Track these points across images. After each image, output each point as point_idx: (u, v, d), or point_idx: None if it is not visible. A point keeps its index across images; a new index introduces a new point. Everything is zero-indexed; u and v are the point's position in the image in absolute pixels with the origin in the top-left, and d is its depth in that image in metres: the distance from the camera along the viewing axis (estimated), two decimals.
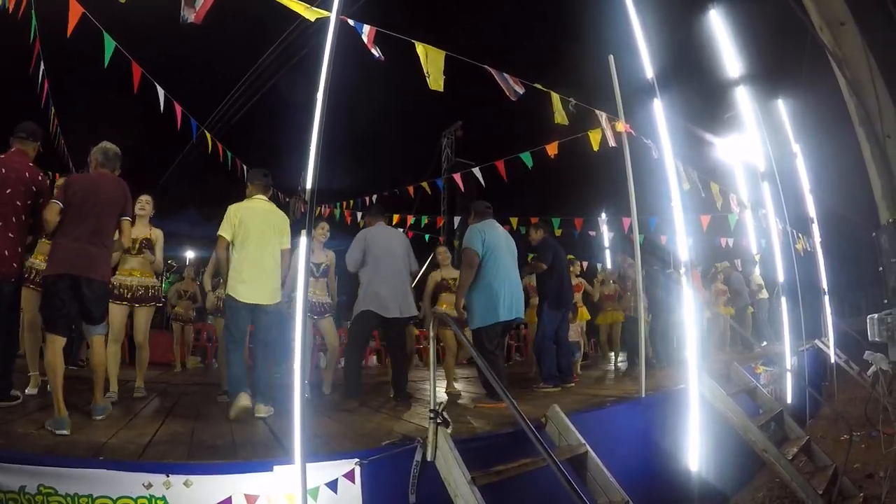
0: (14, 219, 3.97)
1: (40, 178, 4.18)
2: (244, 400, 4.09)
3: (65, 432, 3.25)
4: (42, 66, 7.65)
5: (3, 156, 4.12)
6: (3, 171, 3.97)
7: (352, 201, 13.29)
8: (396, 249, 5.51)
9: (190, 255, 13.22)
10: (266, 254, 4.45)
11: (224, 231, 4.41)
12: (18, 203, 3.99)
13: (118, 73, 5.74)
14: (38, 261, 4.71)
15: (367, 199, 12.80)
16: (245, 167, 9.42)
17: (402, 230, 12.80)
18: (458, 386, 6.35)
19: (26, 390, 4.62)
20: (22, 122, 4.32)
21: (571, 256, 8.74)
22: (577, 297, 8.64)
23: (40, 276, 4.44)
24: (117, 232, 4.13)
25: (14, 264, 3.98)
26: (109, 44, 5.28)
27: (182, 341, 9.04)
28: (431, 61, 4.19)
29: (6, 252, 3.90)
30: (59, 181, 4.90)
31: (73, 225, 3.80)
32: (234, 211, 4.47)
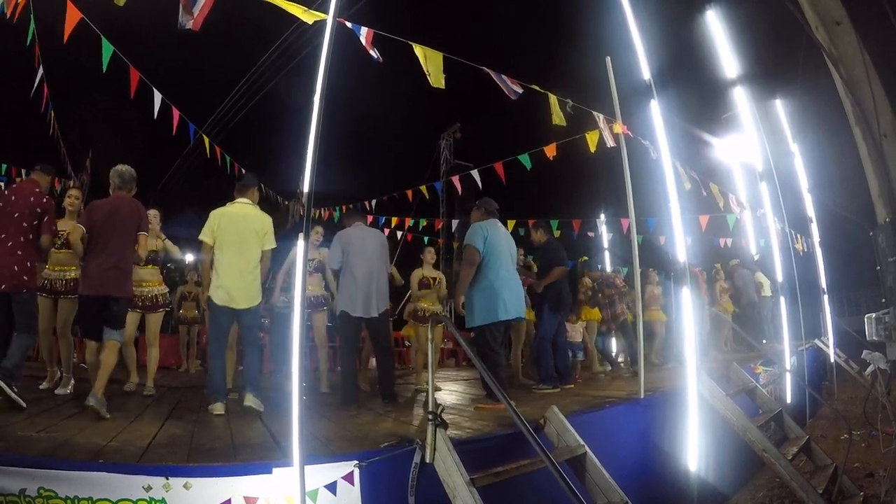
0: (22, 238, 4.48)
1: (44, 200, 4.67)
2: (218, 409, 4.43)
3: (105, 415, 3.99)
4: (41, 70, 7.66)
5: (15, 185, 4.82)
6: (13, 197, 4.56)
7: (350, 205, 13.31)
8: (370, 249, 5.52)
9: (189, 257, 13.22)
10: (244, 258, 4.65)
11: (204, 235, 4.67)
12: (25, 224, 4.52)
13: (117, 77, 5.76)
14: (49, 270, 5.33)
15: (367, 202, 12.81)
16: (243, 170, 9.47)
17: (399, 232, 12.86)
18: (455, 386, 6.37)
19: (41, 385, 5.37)
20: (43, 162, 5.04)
21: (584, 258, 8.78)
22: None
23: (50, 284, 5.27)
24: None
25: (25, 277, 4.44)
26: (107, 48, 5.30)
27: (189, 343, 9.34)
28: (430, 61, 4.20)
29: (15, 267, 4.39)
30: (72, 191, 5.67)
31: (99, 248, 4.44)
32: (215, 216, 4.70)
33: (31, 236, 4.54)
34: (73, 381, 5.28)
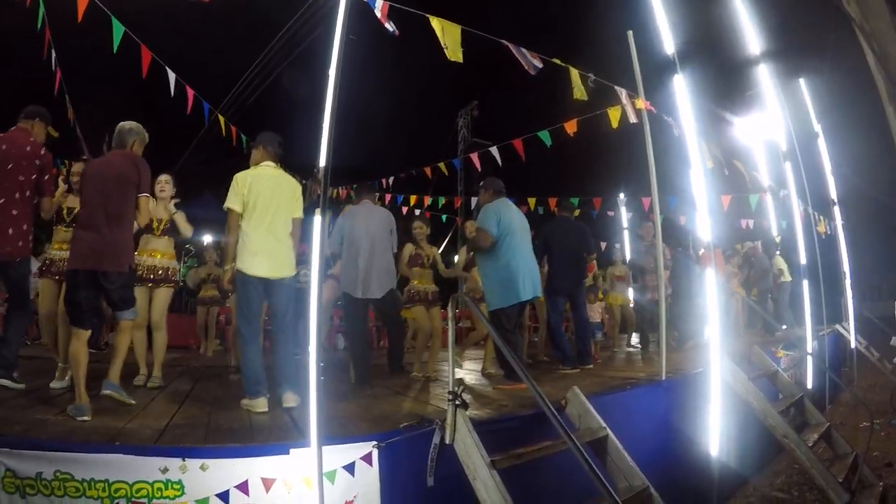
0: (17, 195, 3.88)
1: (42, 152, 4.06)
2: (262, 406, 3.80)
3: (86, 418, 3.26)
4: (53, 54, 7.63)
5: (4, 133, 4.02)
6: (4, 146, 3.91)
7: (368, 182, 13.22)
8: (373, 228, 5.39)
9: (207, 238, 13.24)
10: (278, 223, 4.10)
11: (232, 203, 4.02)
12: (22, 178, 3.90)
13: (129, 58, 5.73)
14: (55, 250, 4.62)
15: (384, 180, 12.70)
16: None
17: (418, 210, 12.78)
18: (474, 366, 6.30)
19: (51, 384, 4.45)
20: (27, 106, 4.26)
21: None
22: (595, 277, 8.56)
23: (57, 266, 4.46)
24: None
25: (20, 242, 3.87)
26: (118, 29, 5.27)
27: (207, 325, 9.14)
28: (448, 34, 4.08)
29: (10, 230, 3.82)
30: (76, 166, 4.79)
31: (88, 212, 3.71)
32: (242, 179, 4.08)
33: (27, 194, 3.93)
34: (70, 373, 4.58)
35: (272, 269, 4.02)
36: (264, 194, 4.06)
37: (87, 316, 3.67)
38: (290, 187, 4.25)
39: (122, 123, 4.04)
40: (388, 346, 5.53)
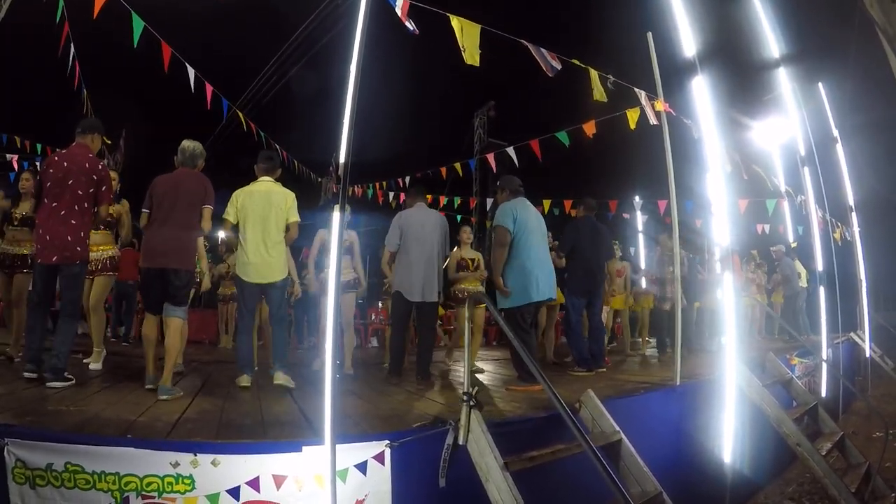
0: (76, 206, 4.29)
1: (100, 167, 4.44)
2: (245, 381, 4.57)
3: (151, 387, 4.08)
4: (72, 49, 7.68)
5: (65, 150, 4.44)
6: (66, 164, 4.29)
7: (384, 182, 13.26)
8: (429, 232, 5.51)
9: (221, 234, 13.33)
10: (268, 234, 4.71)
11: (227, 214, 4.79)
12: (80, 192, 4.30)
13: (149, 53, 5.76)
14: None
15: (400, 179, 12.71)
16: (278, 146, 9.48)
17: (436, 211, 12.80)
18: (486, 367, 6.29)
19: (89, 363, 5.24)
20: (83, 119, 4.71)
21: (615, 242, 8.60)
22: (620, 281, 8.53)
23: (92, 265, 5.10)
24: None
25: (78, 248, 4.28)
26: (138, 24, 5.30)
27: (228, 319, 9.36)
28: (467, 35, 4.06)
29: (69, 237, 4.23)
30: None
31: (160, 222, 4.32)
32: (237, 195, 4.80)
33: (86, 205, 4.34)
34: (104, 355, 5.33)
35: (263, 276, 4.73)
36: (254, 209, 4.73)
37: (156, 303, 4.37)
38: (279, 199, 4.81)
39: (186, 144, 4.64)
40: (420, 351, 5.55)
